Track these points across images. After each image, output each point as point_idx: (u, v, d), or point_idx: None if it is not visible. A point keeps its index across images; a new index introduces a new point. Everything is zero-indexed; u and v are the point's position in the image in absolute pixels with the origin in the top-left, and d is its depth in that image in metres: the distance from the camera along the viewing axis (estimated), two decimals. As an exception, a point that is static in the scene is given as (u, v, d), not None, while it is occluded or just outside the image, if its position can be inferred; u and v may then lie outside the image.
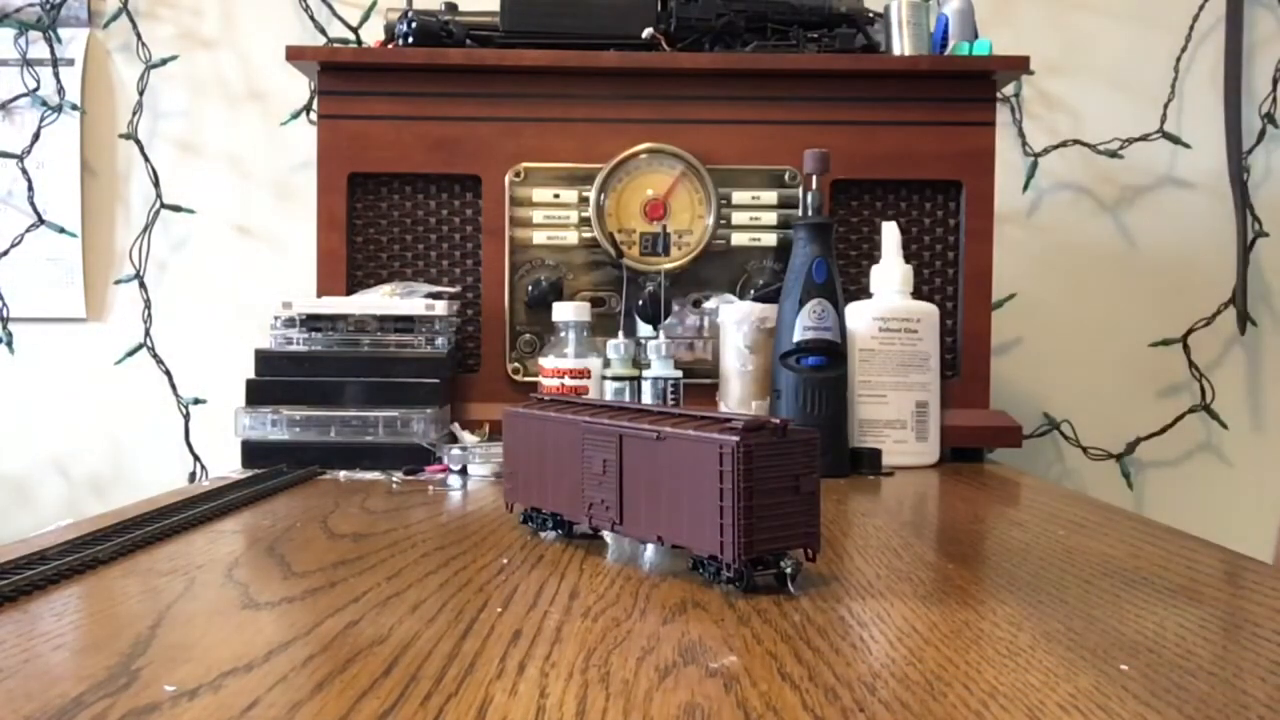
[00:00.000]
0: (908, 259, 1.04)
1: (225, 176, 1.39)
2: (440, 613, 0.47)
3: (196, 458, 1.36)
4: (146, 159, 1.37)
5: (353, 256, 1.08)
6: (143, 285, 1.37)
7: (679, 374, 0.98)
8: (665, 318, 1.05)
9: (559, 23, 1.07)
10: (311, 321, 0.99)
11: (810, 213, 0.98)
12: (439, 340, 0.99)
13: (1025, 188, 1.36)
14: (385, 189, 1.09)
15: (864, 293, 1.05)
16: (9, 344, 1.37)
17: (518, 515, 0.69)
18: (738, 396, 1.00)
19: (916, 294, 1.04)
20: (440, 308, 0.99)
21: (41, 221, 1.36)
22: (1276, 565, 0.64)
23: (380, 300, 1.01)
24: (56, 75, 1.37)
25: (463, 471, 0.93)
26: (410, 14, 1.07)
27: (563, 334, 1.00)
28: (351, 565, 0.57)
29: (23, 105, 1.37)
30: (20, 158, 1.35)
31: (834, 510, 0.76)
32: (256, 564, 0.57)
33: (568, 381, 0.98)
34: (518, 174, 1.07)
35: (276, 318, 0.99)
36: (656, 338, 1.00)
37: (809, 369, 0.94)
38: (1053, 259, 1.38)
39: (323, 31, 1.36)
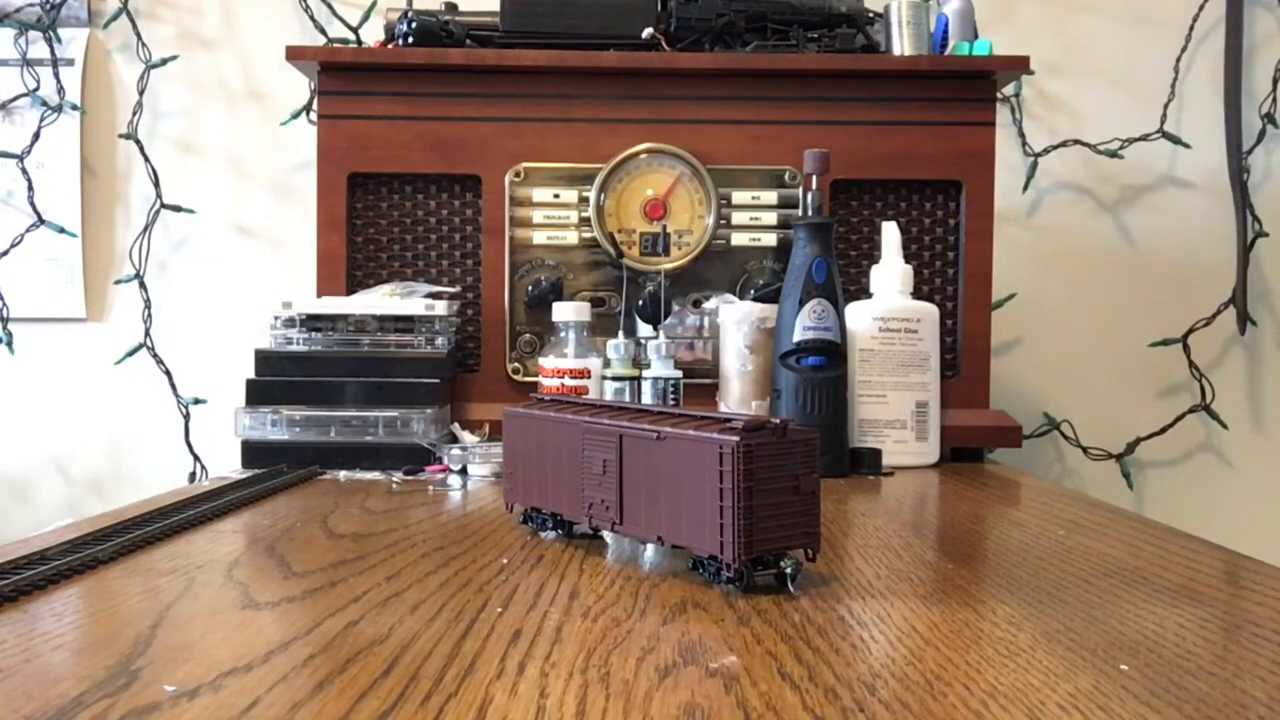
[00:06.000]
0: (908, 259, 1.04)
1: (225, 176, 1.39)
2: (440, 613, 0.47)
3: (196, 458, 1.36)
4: (146, 159, 1.37)
5: (353, 256, 1.08)
6: (143, 285, 1.37)
7: (679, 374, 0.98)
8: (665, 318, 1.05)
9: (559, 23, 1.07)
10: (311, 321, 0.99)
11: (810, 213, 0.98)
12: (439, 340, 0.99)
13: (1025, 188, 1.36)
14: (385, 189, 1.09)
15: (864, 293, 1.05)
16: (9, 344, 1.37)
17: (518, 515, 0.69)
18: (738, 396, 1.00)
19: (916, 294, 1.04)
20: (440, 308, 0.99)
21: (41, 221, 1.36)
22: None
23: (380, 300, 1.01)
24: (56, 75, 1.36)
25: (463, 471, 0.93)
26: (410, 14, 1.07)
27: (563, 334, 1.00)
28: (351, 565, 0.57)
29: (23, 105, 1.37)
30: (20, 158, 1.35)
31: (834, 510, 0.75)
32: (256, 564, 0.57)
33: (568, 381, 0.98)
34: (518, 174, 1.07)
35: (276, 318, 0.99)
36: (656, 338, 1.00)
37: (809, 369, 0.94)
38: (1053, 259, 1.38)
39: (323, 31, 1.36)
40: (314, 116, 1.28)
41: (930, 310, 1.01)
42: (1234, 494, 1.38)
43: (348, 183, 1.07)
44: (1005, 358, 1.37)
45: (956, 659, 0.41)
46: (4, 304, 1.37)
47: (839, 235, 1.09)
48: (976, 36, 1.09)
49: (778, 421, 0.50)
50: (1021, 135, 1.36)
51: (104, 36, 1.38)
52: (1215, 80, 1.36)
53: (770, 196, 1.08)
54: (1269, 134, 1.36)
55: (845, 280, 1.05)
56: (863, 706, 0.36)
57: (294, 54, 1.05)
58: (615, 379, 0.98)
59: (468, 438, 0.99)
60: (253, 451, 0.95)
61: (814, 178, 0.98)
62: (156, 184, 1.37)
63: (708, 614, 0.47)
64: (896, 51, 1.08)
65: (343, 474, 0.92)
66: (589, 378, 0.98)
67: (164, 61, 1.36)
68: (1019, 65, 1.05)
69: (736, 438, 0.49)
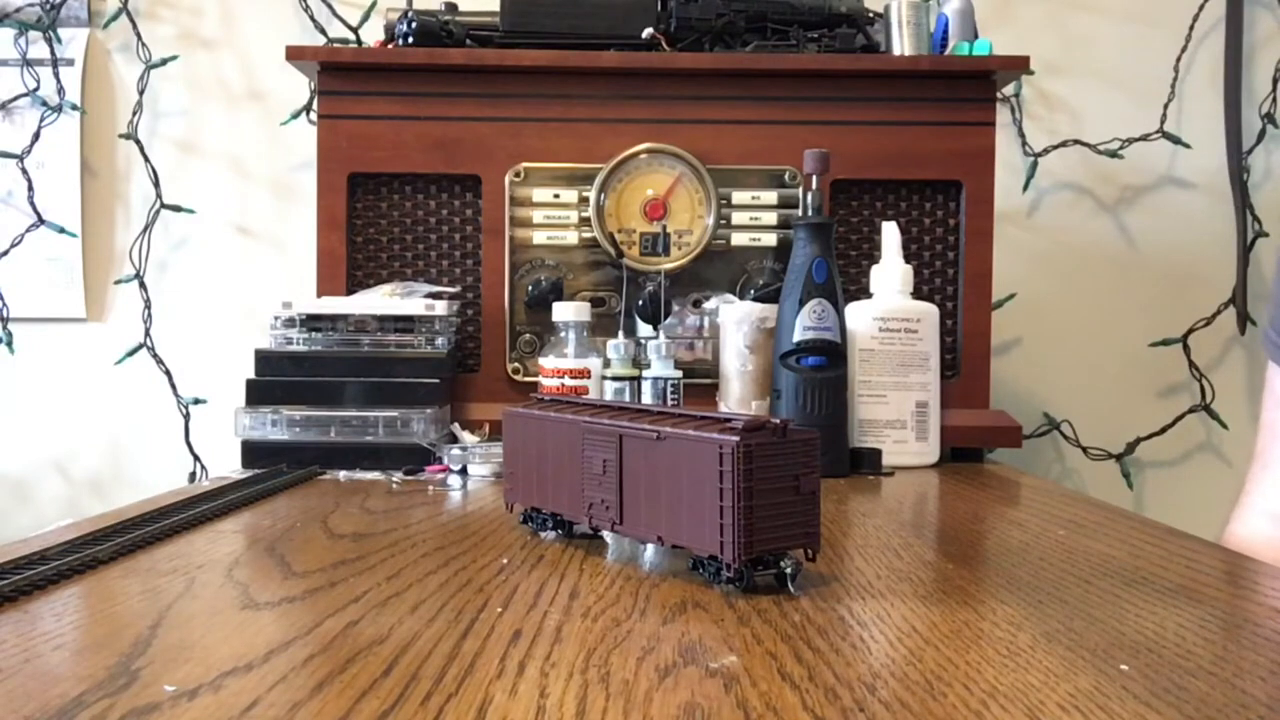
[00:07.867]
0: (908, 259, 1.04)
1: (225, 176, 1.39)
2: (440, 613, 0.47)
3: (196, 458, 1.36)
4: (146, 159, 1.37)
5: (353, 256, 1.08)
6: (143, 285, 1.37)
7: (679, 374, 0.98)
8: (665, 318, 1.05)
9: (559, 23, 1.07)
10: (311, 321, 0.99)
11: (810, 213, 0.98)
12: (439, 340, 0.99)
13: (1025, 188, 1.36)
14: (385, 189, 1.09)
15: (864, 293, 1.05)
16: (9, 344, 1.37)
17: (518, 515, 0.69)
18: (738, 396, 1.00)
19: (916, 294, 1.04)
20: (440, 308, 0.99)
21: (41, 221, 1.36)
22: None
23: (380, 300, 1.01)
24: (56, 75, 1.36)
25: (463, 471, 0.93)
26: (410, 14, 1.07)
27: (563, 334, 1.00)
28: (351, 565, 0.57)
29: (23, 105, 1.37)
30: (20, 158, 1.35)
31: (834, 510, 0.75)
32: (256, 564, 0.57)
33: (568, 381, 0.98)
34: (518, 174, 1.07)
35: (276, 318, 0.99)
36: (656, 338, 1.00)
37: (809, 369, 0.94)
38: (1053, 259, 1.38)
39: (323, 31, 1.36)
40: (314, 116, 1.28)
41: (930, 310, 1.01)
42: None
43: (348, 183, 1.07)
44: (1005, 358, 1.37)
45: (956, 659, 0.41)
46: (4, 304, 1.37)
47: (839, 235, 1.09)
48: (976, 36, 1.09)
49: (778, 421, 0.50)
50: (1021, 135, 1.36)
51: (104, 36, 1.38)
52: (1215, 80, 1.36)
53: (770, 196, 1.08)
54: (1269, 134, 1.36)
55: (845, 280, 1.05)
56: (863, 706, 0.36)
57: (294, 54, 1.05)
58: (615, 379, 0.98)
59: (468, 438, 0.99)
60: (253, 451, 0.95)
61: (814, 178, 0.98)
62: (156, 184, 1.37)
63: (708, 614, 0.47)
64: (896, 51, 1.08)
65: (343, 474, 0.92)
66: (589, 378, 0.98)
67: (164, 61, 1.36)
68: (1019, 65, 1.05)
69: (736, 438, 0.49)
